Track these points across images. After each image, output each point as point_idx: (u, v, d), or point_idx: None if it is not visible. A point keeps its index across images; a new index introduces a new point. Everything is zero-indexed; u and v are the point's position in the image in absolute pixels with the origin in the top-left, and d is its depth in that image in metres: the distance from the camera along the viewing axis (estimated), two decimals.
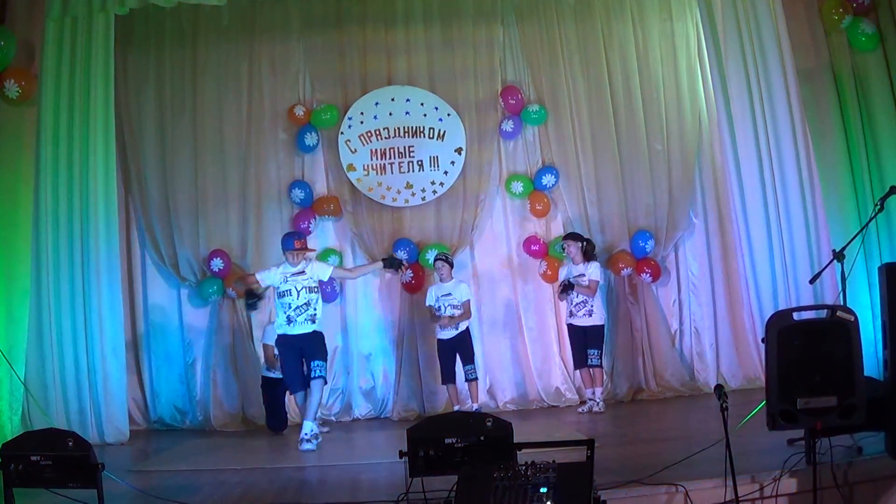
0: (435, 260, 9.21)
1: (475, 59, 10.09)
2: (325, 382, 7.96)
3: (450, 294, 9.01)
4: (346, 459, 7.12)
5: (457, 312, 8.95)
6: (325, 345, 8.04)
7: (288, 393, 8.84)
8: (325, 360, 7.94)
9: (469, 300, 9.13)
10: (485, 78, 10.10)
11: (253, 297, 8.10)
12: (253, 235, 9.81)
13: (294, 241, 8.04)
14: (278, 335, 8.03)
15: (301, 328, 7.86)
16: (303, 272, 7.94)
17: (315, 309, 7.94)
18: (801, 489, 5.04)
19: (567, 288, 9.01)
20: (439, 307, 9.02)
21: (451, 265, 9.18)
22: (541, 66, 10.10)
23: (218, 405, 9.49)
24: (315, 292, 7.96)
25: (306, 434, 7.58)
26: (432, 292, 9.14)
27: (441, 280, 9.11)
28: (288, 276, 7.89)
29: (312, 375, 7.76)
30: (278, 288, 7.93)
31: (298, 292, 7.86)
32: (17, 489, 5.05)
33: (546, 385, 9.84)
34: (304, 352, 7.90)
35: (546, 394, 9.80)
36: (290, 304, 7.87)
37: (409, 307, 9.76)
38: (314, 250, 8.93)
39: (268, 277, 7.97)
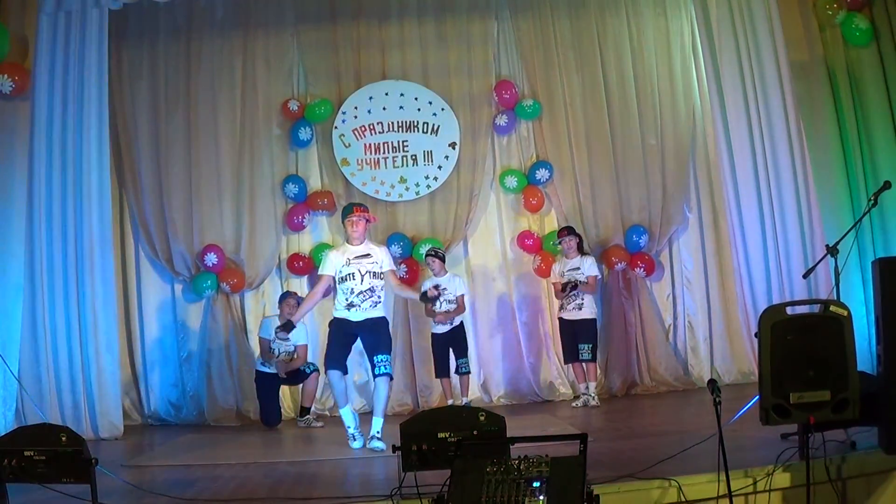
0: (425, 256, 9.21)
1: (469, 54, 10.10)
2: (391, 378, 7.09)
3: (445, 288, 9.01)
4: (339, 454, 7.10)
5: (451, 307, 8.95)
6: (389, 334, 7.24)
7: (314, 376, 8.98)
8: (390, 353, 7.12)
9: (464, 294, 9.12)
10: (479, 72, 10.12)
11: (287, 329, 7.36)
12: (247, 230, 9.80)
13: (354, 207, 7.22)
14: (334, 318, 7.21)
15: (364, 314, 7.04)
16: (368, 255, 7.12)
17: (380, 295, 7.12)
18: (794, 484, 5.04)
19: (572, 287, 8.99)
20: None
21: (443, 260, 9.19)
22: (535, 60, 10.11)
23: (212, 400, 9.49)
24: (380, 279, 7.10)
25: (377, 433, 6.88)
26: (427, 283, 9.13)
27: (434, 275, 9.11)
28: (350, 258, 7.07)
29: (377, 373, 6.98)
30: (339, 272, 7.09)
31: (362, 276, 7.02)
32: (10, 484, 5.05)
33: (539, 379, 9.86)
34: (363, 341, 7.19)
35: (539, 388, 9.81)
36: (351, 289, 7.05)
37: (404, 302, 9.75)
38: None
39: (329, 266, 7.16)
